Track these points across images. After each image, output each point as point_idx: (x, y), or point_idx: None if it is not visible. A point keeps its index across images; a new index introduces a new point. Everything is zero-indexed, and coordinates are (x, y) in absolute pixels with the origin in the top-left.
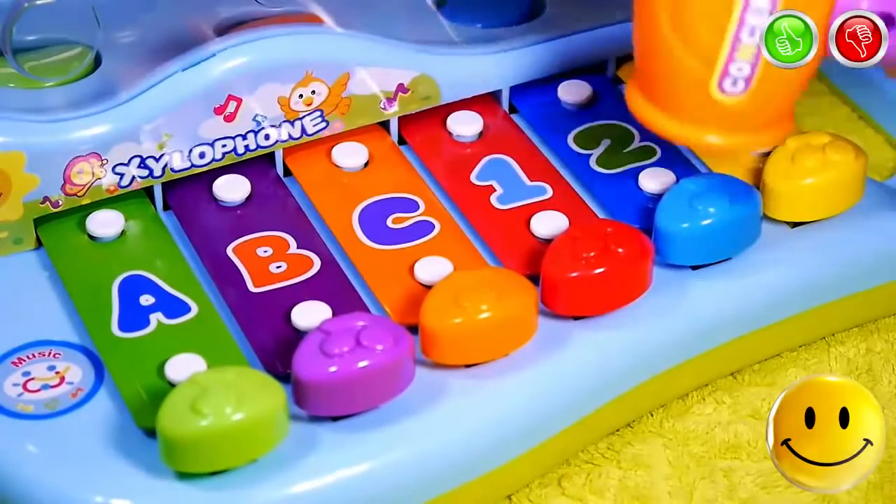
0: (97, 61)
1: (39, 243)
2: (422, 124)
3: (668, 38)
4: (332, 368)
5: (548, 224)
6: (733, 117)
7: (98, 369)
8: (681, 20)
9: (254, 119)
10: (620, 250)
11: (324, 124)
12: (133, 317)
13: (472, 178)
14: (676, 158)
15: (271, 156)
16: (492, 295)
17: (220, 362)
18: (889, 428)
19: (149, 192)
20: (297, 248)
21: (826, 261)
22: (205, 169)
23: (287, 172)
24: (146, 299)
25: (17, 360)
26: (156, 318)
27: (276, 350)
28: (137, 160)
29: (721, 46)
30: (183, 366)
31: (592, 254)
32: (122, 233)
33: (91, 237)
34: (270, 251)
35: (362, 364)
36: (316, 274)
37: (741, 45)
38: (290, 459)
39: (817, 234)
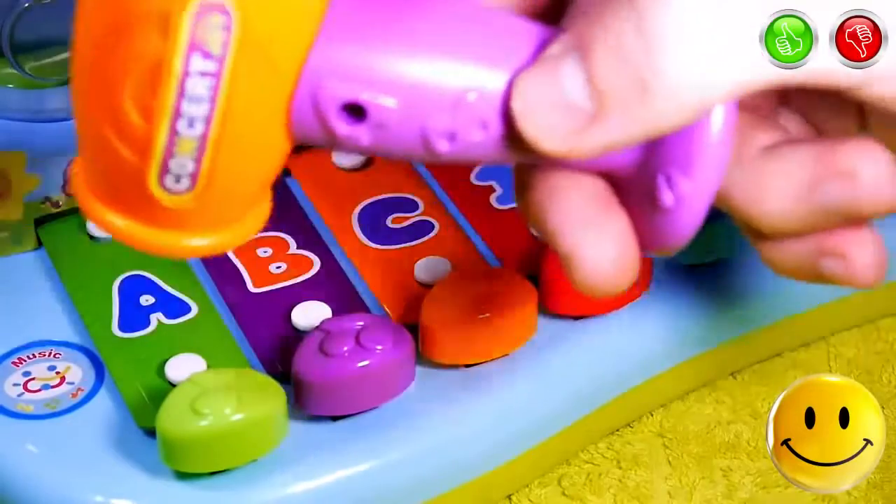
0: None
1: (40, 243)
2: None
3: (103, 128)
4: (332, 368)
5: None
6: (187, 216)
7: (98, 369)
8: (113, 98)
9: None
10: None
11: None
12: (133, 317)
13: (472, 178)
14: None
15: None
16: (491, 294)
17: (221, 362)
18: (889, 428)
19: None
20: (297, 248)
21: None
22: None
23: (287, 172)
24: (146, 299)
25: (17, 360)
26: (156, 318)
27: (276, 350)
28: None
29: (155, 140)
30: (183, 366)
31: None
32: None
33: (91, 237)
34: (270, 251)
35: (362, 364)
36: (316, 274)
37: (179, 139)
38: (289, 459)
39: None
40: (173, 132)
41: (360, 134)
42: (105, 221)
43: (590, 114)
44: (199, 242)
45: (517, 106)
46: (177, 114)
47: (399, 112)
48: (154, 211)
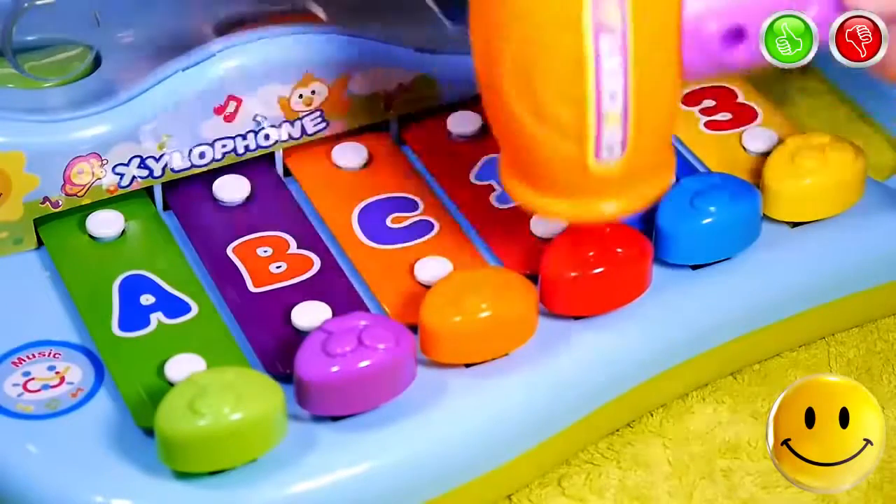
0: (97, 61)
1: (40, 243)
2: (422, 124)
3: (531, 127)
4: (335, 368)
5: (547, 223)
6: (619, 181)
7: (98, 369)
8: (538, 107)
9: (254, 119)
10: (620, 250)
11: (324, 124)
12: (133, 316)
13: (472, 177)
14: (677, 159)
15: (271, 156)
16: (492, 294)
17: (220, 362)
18: (889, 428)
19: (149, 192)
20: (297, 248)
21: (826, 261)
22: (205, 169)
23: (287, 172)
24: (146, 299)
25: (17, 360)
26: (156, 317)
27: (276, 350)
28: (137, 160)
29: (586, 121)
30: (183, 366)
31: (592, 254)
32: (123, 233)
33: (91, 237)
34: (270, 251)
35: (364, 364)
36: (316, 274)
37: (606, 113)
38: (289, 459)
39: (817, 234)
40: (600, 110)
41: (744, 53)
42: (547, 209)
43: None
44: (614, 207)
45: None
46: (599, 93)
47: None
48: (589, 185)
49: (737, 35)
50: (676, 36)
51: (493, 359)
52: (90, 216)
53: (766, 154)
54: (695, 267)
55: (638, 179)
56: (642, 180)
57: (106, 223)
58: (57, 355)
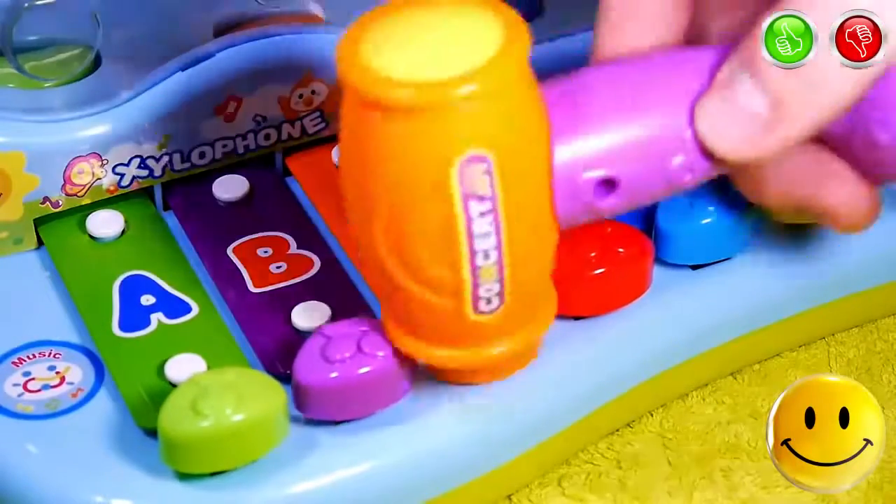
0: (97, 61)
1: (40, 243)
2: None
3: (406, 283)
4: (334, 374)
5: None
6: (502, 327)
7: (98, 369)
8: (412, 264)
9: (254, 119)
10: (621, 250)
11: (324, 124)
12: (134, 317)
13: None
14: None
15: (271, 156)
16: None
17: (221, 362)
18: (889, 428)
19: (149, 192)
20: (297, 248)
21: (826, 261)
22: (205, 169)
23: (287, 172)
24: (147, 299)
25: (17, 361)
26: (156, 318)
27: (277, 350)
28: (137, 160)
29: (462, 279)
30: (183, 366)
31: (593, 254)
32: (123, 233)
33: (91, 237)
34: (270, 251)
35: (364, 370)
36: (316, 274)
37: (481, 270)
38: (289, 460)
39: (817, 233)
40: (475, 268)
41: (617, 200)
42: (435, 359)
43: (767, 117)
44: (503, 348)
45: (702, 128)
46: (473, 253)
47: (642, 172)
48: (469, 335)
49: (608, 184)
50: (547, 190)
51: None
52: (90, 216)
53: None
54: (695, 267)
55: (522, 321)
56: (527, 321)
57: (106, 223)
58: (57, 355)
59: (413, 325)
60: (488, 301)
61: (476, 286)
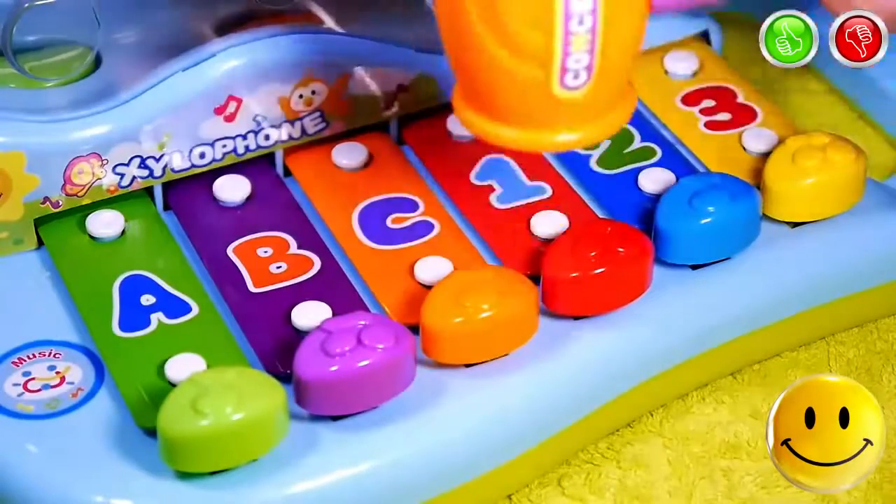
0: (97, 61)
1: (40, 243)
2: (422, 124)
3: (494, 50)
4: (334, 368)
5: (548, 224)
6: (582, 109)
7: (98, 369)
8: (503, 30)
9: (254, 119)
10: (621, 250)
11: (324, 124)
12: (134, 316)
13: (472, 177)
14: (676, 158)
15: (271, 156)
16: (493, 294)
17: (221, 362)
18: (889, 428)
19: (149, 192)
20: (297, 248)
21: (826, 261)
22: (205, 169)
23: (287, 172)
24: (147, 299)
25: (17, 360)
26: (156, 317)
27: (277, 350)
28: (137, 160)
29: (553, 44)
30: (183, 366)
31: (593, 254)
32: (123, 233)
33: (92, 237)
34: (270, 251)
35: (363, 363)
36: (316, 274)
37: (573, 37)
38: (290, 459)
39: (817, 234)
40: (567, 33)
41: None
42: (503, 138)
43: None
44: (572, 137)
45: None
46: (567, 15)
47: None
48: (551, 113)
49: None
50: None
51: (494, 359)
52: (90, 216)
53: (765, 154)
54: (695, 267)
55: (599, 111)
56: (603, 113)
57: (106, 223)
58: (57, 355)
59: (489, 100)
60: (576, 75)
61: (566, 55)
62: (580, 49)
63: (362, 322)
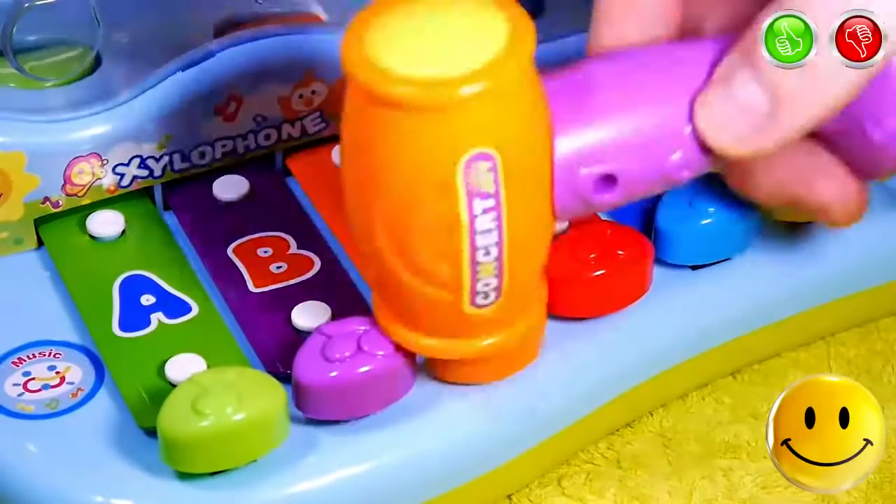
0: (97, 61)
1: (40, 243)
2: None
3: (406, 279)
4: (333, 373)
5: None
6: (495, 320)
7: (98, 369)
8: (413, 261)
9: (254, 119)
10: (621, 252)
11: (324, 124)
12: (134, 316)
13: None
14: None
15: (271, 156)
16: None
17: (221, 362)
18: (889, 428)
19: (149, 192)
20: (297, 248)
21: (826, 261)
22: (205, 169)
23: (287, 172)
24: (147, 299)
25: (17, 360)
26: (156, 317)
27: (277, 350)
28: (137, 160)
29: (462, 274)
30: (183, 366)
31: (593, 256)
32: (123, 233)
33: (92, 237)
34: (270, 251)
35: (363, 369)
36: (316, 274)
37: (480, 265)
38: (290, 460)
39: (817, 234)
40: (475, 264)
41: (615, 196)
42: (426, 349)
43: (767, 113)
44: (495, 341)
45: (702, 123)
46: (474, 249)
47: (640, 168)
48: (463, 327)
49: (608, 180)
50: (548, 186)
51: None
52: (90, 216)
53: None
54: (695, 267)
55: (515, 314)
56: (520, 314)
57: (106, 223)
58: (57, 355)
59: (407, 315)
60: (486, 295)
61: (475, 281)
62: (488, 275)
63: (362, 327)
